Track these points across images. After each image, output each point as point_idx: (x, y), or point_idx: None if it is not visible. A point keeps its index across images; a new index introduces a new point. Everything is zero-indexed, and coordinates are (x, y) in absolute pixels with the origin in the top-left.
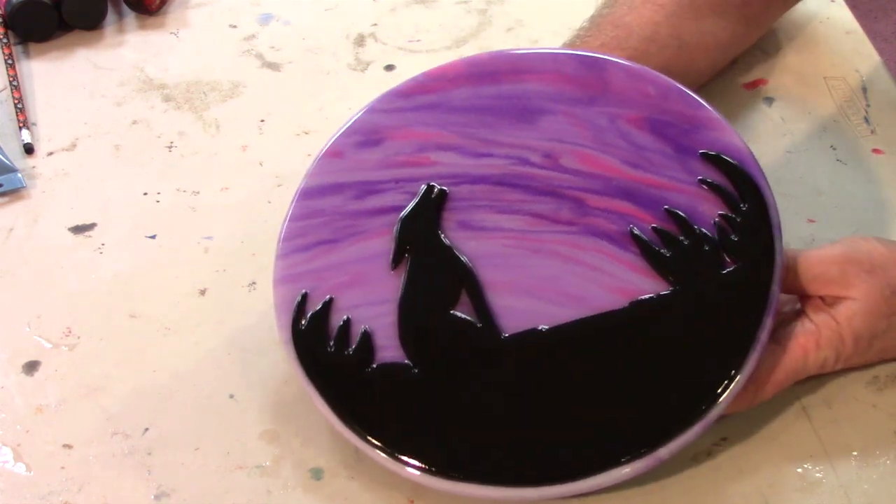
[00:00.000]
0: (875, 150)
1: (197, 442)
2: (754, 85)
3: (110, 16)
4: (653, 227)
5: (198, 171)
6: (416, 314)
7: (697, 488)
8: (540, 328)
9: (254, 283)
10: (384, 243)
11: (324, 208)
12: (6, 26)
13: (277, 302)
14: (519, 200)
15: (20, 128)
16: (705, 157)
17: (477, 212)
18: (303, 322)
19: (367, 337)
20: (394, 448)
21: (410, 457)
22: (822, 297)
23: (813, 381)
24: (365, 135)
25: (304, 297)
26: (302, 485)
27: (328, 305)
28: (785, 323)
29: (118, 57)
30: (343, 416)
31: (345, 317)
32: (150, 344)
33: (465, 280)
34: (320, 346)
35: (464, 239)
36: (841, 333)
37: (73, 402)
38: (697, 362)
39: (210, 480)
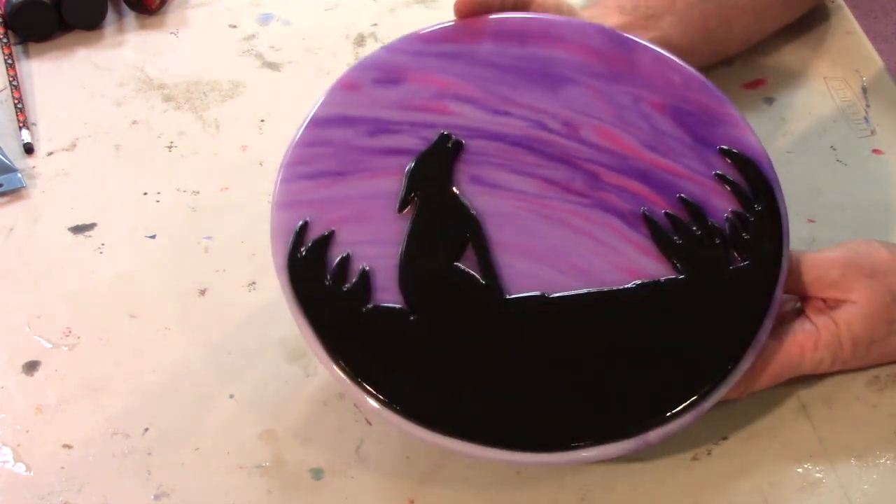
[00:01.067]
0: (875, 151)
1: (197, 442)
2: (754, 85)
3: (110, 16)
4: (665, 213)
5: (198, 171)
6: (418, 261)
7: (697, 488)
8: (543, 294)
9: (254, 283)
10: (392, 184)
11: (333, 139)
12: (6, 26)
13: (275, 226)
14: (533, 164)
15: (20, 128)
16: (723, 152)
17: (490, 168)
18: (300, 251)
19: (365, 276)
20: (377, 390)
21: (393, 402)
22: (823, 300)
23: (813, 380)
24: (383, 72)
25: (305, 225)
26: (302, 485)
27: (328, 238)
28: (785, 321)
29: (118, 57)
30: (331, 350)
31: (345, 252)
32: (150, 344)
33: (472, 234)
34: (316, 278)
35: (475, 193)
36: (840, 337)
37: (73, 402)
38: (695, 352)
39: (210, 480)
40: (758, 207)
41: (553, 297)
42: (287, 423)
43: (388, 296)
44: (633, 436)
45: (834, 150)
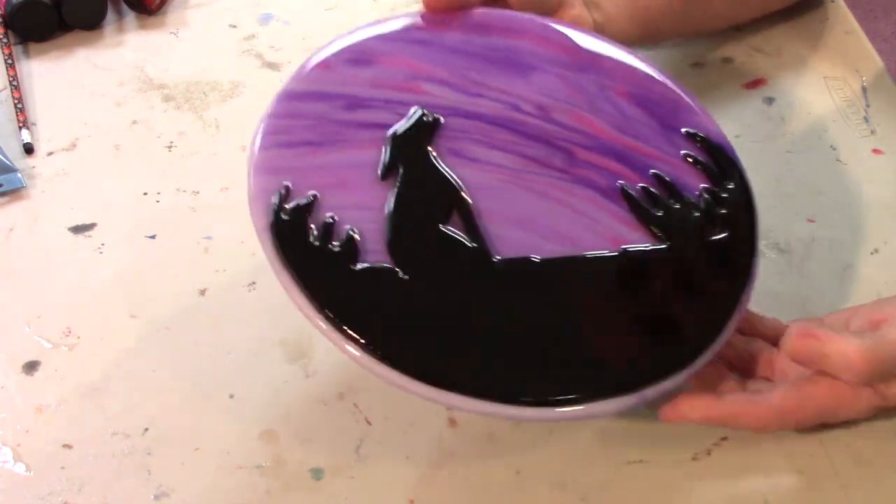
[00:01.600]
0: (875, 150)
1: (197, 442)
2: (754, 85)
3: (110, 16)
4: (642, 187)
5: (198, 171)
6: (406, 224)
7: (697, 488)
8: (533, 258)
9: (254, 283)
10: (372, 155)
11: (309, 112)
12: (6, 26)
13: (255, 190)
14: (510, 141)
15: (20, 128)
16: (689, 135)
17: (469, 144)
18: (283, 213)
19: (352, 237)
20: (372, 345)
21: (387, 355)
22: None
23: None
24: (355, 54)
25: (287, 189)
26: (302, 485)
27: (312, 202)
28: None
29: (118, 57)
30: (322, 307)
31: (330, 215)
32: (150, 344)
33: (456, 201)
34: (302, 239)
35: (456, 166)
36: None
37: (73, 402)
38: (684, 315)
39: (210, 480)
40: (729, 185)
41: (543, 260)
42: (287, 423)
43: (377, 258)
44: (632, 391)
45: (834, 150)
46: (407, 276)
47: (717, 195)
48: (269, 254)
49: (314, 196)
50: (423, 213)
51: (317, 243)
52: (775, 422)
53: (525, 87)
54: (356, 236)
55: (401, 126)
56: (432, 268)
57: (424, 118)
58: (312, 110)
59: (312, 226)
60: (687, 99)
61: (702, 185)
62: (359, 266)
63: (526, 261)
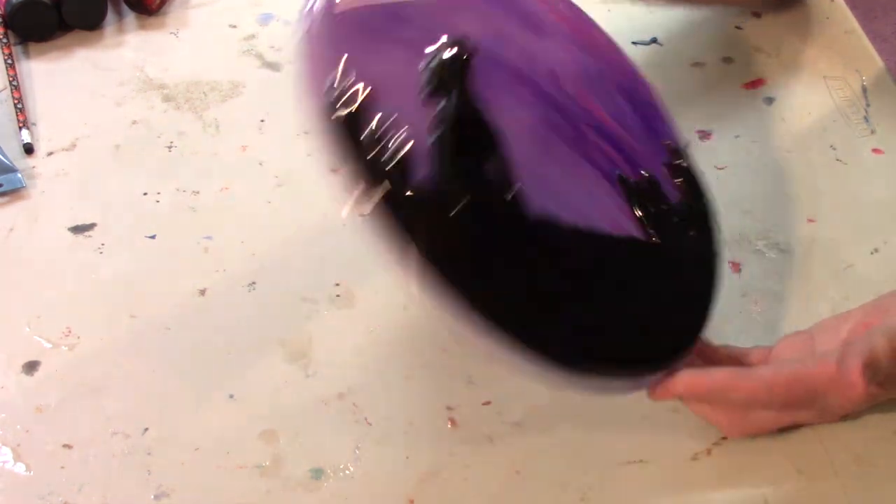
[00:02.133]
0: (875, 150)
1: (197, 442)
2: (754, 85)
3: (110, 16)
4: (636, 182)
5: (198, 171)
6: (451, 152)
7: (697, 488)
8: (562, 220)
9: (254, 283)
10: (414, 74)
11: (357, 10)
12: (6, 26)
13: (312, 65)
14: (531, 101)
15: (20, 128)
16: (669, 147)
17: (497, 91)
18: (343, 96)
19: (406, 148)
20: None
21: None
22: None
23: None
24: None
25: (347, 70)
26: (302, 485)
27: (369, 97)
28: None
29: (118, 57)
30: (375, 194)
31: (384, 116)
32: (150, 344)
33: (495, 143)
34: (357, 130)
35: (488, 109)
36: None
37: (73, 402)
38: (673, 307)
39: (210, 480)
40: (702, 199)
41: (569, 225)
42: (287, 423)
43: (422, 177)
44: (630, 376)
45: (834, 149)
46: (450, 204)
47: (695, 206)
48: (328, 136)
49: (371, 91)
50: (465, 146)
51: (376, 141)
52: (765, 395)
53: (539, 50)
54: (411, 148)
55: (442, 53)
56: (473, 202)
57: (464, 53)
58: (358, 10)
59: (372, 122)
60: (664, 109)
61: (679, 195)
62: (412, 179)
63: (556, 221)
